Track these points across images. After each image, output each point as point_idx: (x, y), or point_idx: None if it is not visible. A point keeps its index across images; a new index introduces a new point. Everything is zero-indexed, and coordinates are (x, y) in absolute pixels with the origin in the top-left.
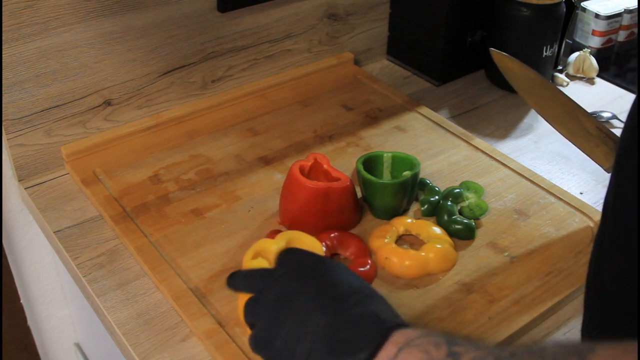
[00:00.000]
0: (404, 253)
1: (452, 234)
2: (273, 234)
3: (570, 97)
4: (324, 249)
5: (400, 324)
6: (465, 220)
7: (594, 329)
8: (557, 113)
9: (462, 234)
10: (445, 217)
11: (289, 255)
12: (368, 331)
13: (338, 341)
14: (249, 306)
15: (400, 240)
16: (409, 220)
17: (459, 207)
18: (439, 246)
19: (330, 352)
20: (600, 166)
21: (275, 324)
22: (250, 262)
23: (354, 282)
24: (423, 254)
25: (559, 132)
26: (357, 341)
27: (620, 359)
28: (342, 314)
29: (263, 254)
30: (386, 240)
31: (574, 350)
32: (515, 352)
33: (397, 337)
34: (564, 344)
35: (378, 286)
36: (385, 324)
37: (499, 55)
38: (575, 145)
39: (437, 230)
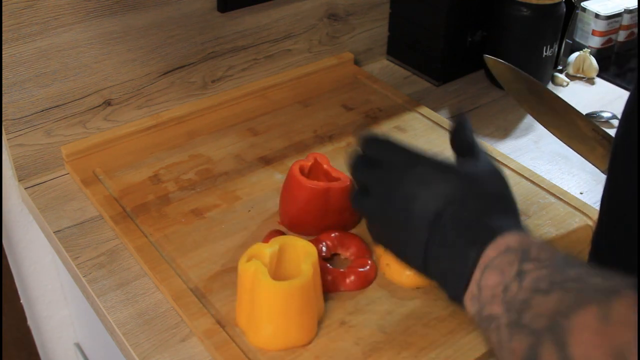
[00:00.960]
0: None
1: None
2: (273, 234)
3: (566, 99)
4: (324, 249)
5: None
6: None
7: None
8: (553, 117)
9: None
10: None
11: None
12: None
13: (467, 228)
14: (363, 165)
15: None
16: None
17: None
18: None
19: (460, 231)
20: (598, 168)
21: (396, 188)
22: (245, 265)
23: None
24: None
25: (555, 135)
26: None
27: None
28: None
29: (257, 257)
30: None
31: (606, 289)
32: (563, 281)
33: (488, 253)
34: (605, 281)
35: (377, 288)
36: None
37: (492, 61)
38: (572, 149)
39: None
